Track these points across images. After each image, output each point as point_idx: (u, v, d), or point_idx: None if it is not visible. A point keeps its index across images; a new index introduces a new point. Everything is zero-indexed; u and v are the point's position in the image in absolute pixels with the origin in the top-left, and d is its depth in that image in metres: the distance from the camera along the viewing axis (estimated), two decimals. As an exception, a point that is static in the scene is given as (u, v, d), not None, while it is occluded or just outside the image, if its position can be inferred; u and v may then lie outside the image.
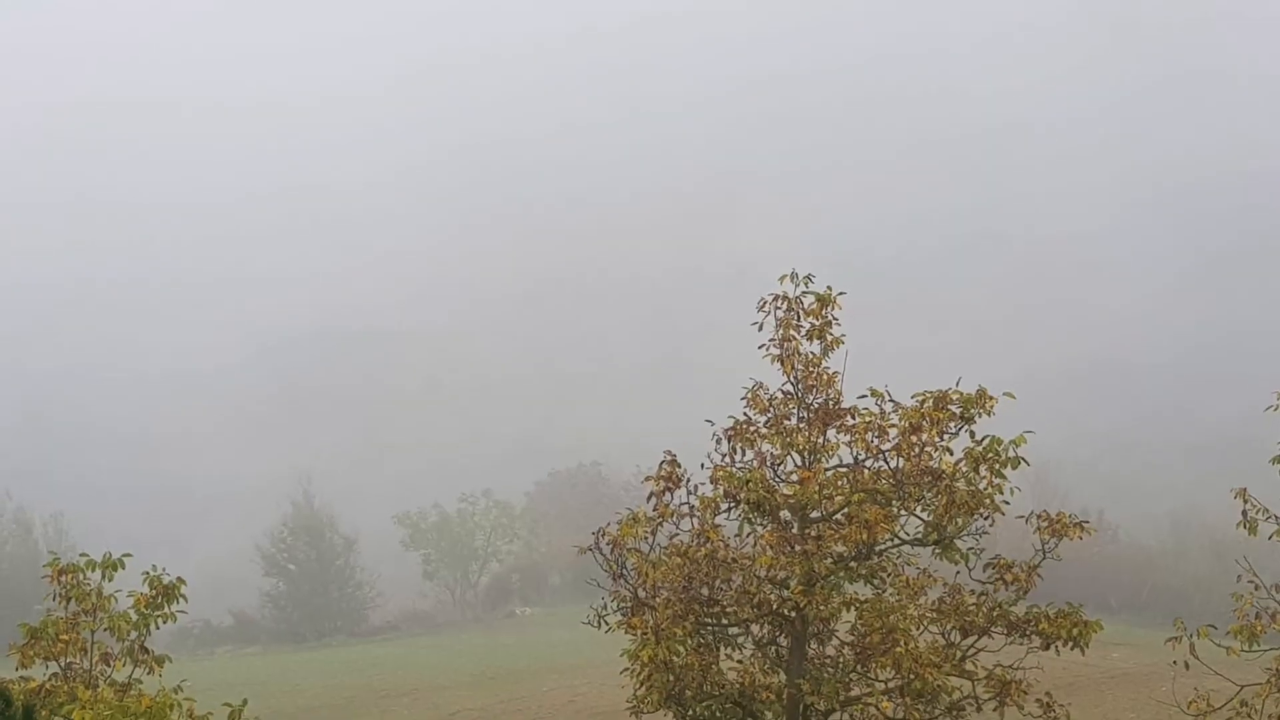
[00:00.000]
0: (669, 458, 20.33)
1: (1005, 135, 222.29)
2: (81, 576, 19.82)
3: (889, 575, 20.51)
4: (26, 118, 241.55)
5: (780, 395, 20.43)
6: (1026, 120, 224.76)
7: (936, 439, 19.51)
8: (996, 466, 19.30)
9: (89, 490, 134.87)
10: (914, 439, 19.50)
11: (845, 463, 20.25)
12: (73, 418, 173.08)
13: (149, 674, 19.82)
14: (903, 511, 19.83)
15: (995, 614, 20.17)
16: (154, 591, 19.90)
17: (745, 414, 20.39)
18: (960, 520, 19.57)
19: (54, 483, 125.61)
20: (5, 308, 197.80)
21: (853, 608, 20.25)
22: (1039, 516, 20.18)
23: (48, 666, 19.52)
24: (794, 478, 20.04)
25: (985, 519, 19.67)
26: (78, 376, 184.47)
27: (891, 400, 19.86)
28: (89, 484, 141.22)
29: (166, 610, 20.00)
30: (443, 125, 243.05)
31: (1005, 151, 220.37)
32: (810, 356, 20.33)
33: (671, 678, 19.43)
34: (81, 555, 20.14)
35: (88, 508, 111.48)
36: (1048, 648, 20.26)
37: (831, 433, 20.19)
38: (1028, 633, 20.18)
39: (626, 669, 19.74)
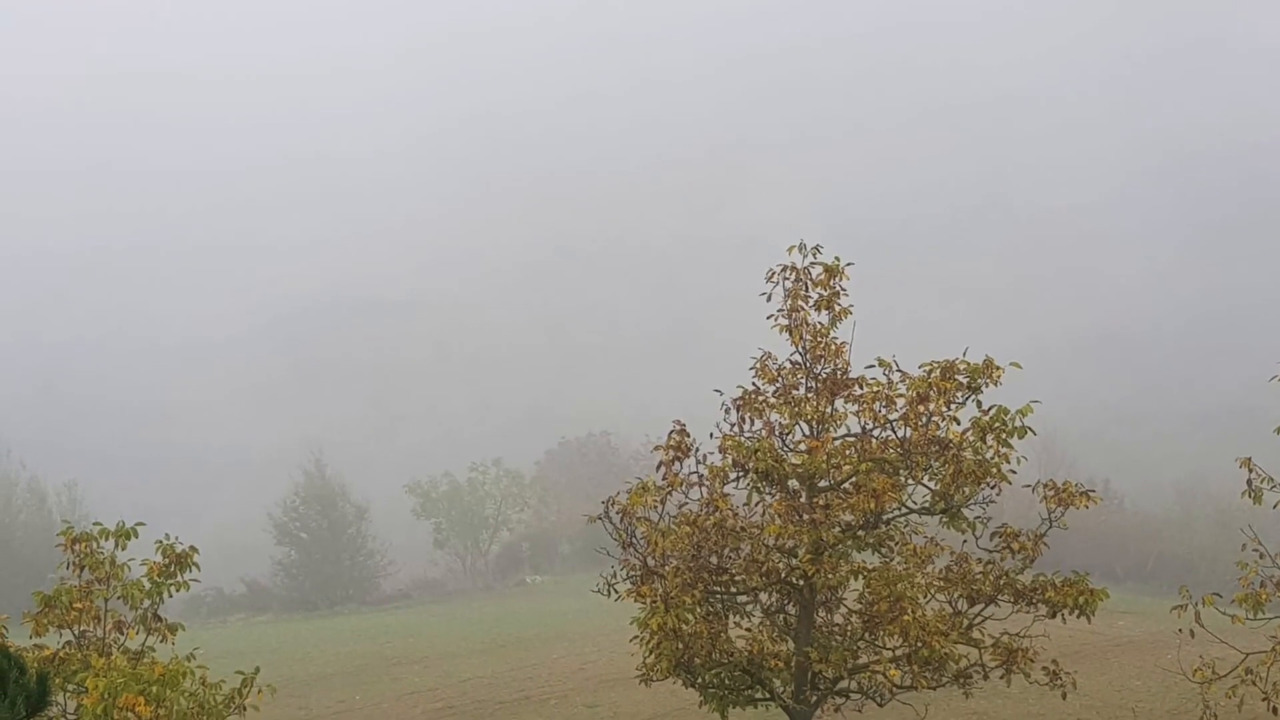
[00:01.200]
0: (678, 427, 20.41)
1: (1010, 106, 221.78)
2: (95, 545, 19.96)
3: (896, 544, 20.61)
4: (40, 89, 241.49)
5: (788, 365, 20.52)
6: (1031, 91, 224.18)
7: (944, 409, 19.59)
8: (1003, 436, 19.38)
9: (102, 459, 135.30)
10: (921, 409, 19.58)
11: (853, 432, 20.33)
12: (85, 387, 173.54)
13: (162, 642, 19.99)
14: (910, 480, 19.92)
15: (1002, 582, 20.27)
16: (167, 560, 20.05)
17: (754, 384, 20.48)
18: (967, 489, 19.67)
19: (67, 452, 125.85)
20: (18, 278, 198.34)
21: (860, 576, 20.35)
22: (1045, 486, 20.26)
23: (62, 634, 19.65)
24: (802, 447, 20.13)
25: (992, 488, 19.76)
26: (90, 346, 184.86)
27: (899, 370, 19.94)
28: (102, 453, 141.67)
29: (179, 579, 20.16)
30: (452, 95, 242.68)
31: (1009, 122, 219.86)
32: (818, 327, 20.42)
33: (680, 645, 19.55)
34: (95, 524, 20.29)
35: (100, 477, 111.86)
36: (1054, 616, 20.37)
37: (839, 402, 20.28)
38: (1034, 601, 20.28)
39: (636, 637, 19.87)
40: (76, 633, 19.63)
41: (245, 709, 19.32)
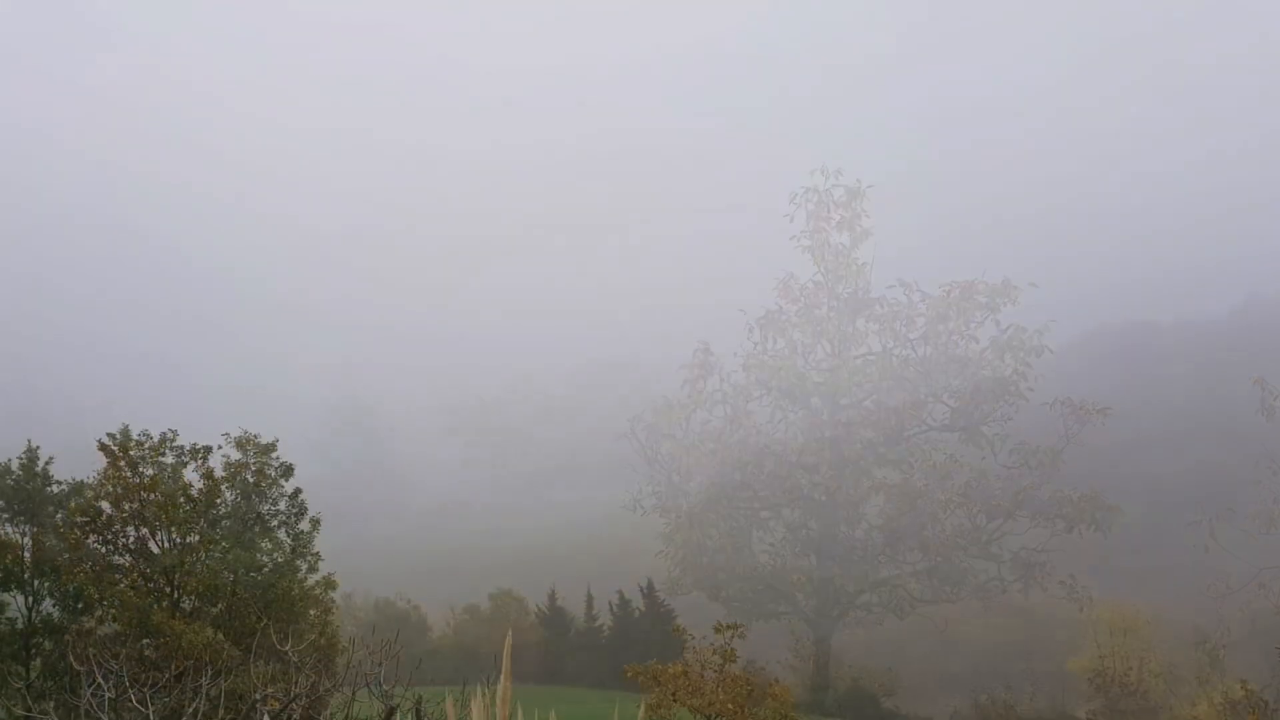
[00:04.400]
0: (701, 346, 20.73)
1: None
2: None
3: (917, 460, 20.91)
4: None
5: (811, 285, 20.78)
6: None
7: (963, 328, 19.83)
8: (1021, 355, 19.60)
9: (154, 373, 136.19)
10: (941, 328, 19.82)
11: (874, 351, 20.61)
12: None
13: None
14: (930, 398, 20.20)
15: (1020, 498, 20.55)
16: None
17: (777, 303, 20.75)
18: (986, 407, 19.93)
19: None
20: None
21: (881, 492, 20.68)
22: (1062, 403, 20.49)
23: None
24: (824, 365, 20.41)
25: (1010, 406, 20.01)
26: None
27: (919, 290, 20.17)
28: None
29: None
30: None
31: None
32: (840, 247, 20.65)
33: (705, 560, 19.94)
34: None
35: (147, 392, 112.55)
36: (1071, 530, 20.68)
37: (860, 321, 20.55)
38: (1052, 516, 20.56)
39: (662, 552, 20.30)
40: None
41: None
